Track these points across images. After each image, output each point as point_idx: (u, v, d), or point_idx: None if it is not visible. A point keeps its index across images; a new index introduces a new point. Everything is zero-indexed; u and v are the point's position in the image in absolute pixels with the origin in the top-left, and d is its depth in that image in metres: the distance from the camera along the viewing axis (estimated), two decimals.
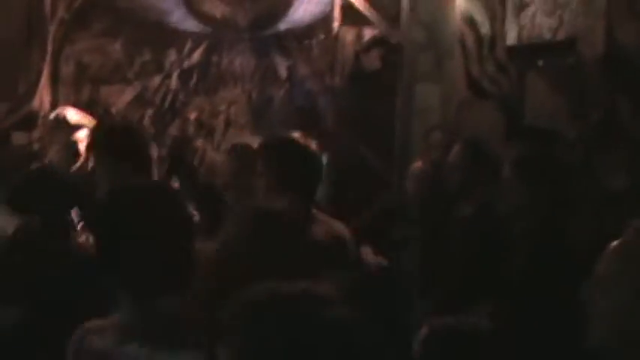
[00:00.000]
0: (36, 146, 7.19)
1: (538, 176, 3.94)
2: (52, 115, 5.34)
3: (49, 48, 7.35)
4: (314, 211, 3.50)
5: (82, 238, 3.59)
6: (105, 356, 2.19)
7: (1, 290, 3.30)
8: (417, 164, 6.13)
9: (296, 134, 3.59)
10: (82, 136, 4.76)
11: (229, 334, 1.61)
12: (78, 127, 4.95)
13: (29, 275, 3.27)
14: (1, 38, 7.14)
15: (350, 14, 7.44)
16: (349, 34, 7.49)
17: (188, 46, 7.50)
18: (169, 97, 7.44)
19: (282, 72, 7.58)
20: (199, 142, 6.88)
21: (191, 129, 7.36)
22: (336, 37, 7.51)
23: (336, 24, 7.50)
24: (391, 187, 6.86)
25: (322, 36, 7.57)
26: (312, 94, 7.55)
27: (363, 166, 6.94)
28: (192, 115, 7.29)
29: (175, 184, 4.42)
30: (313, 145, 3.56)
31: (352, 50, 7.46)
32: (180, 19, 7.49)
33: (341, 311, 1.61)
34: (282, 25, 7.55)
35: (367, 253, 4.78)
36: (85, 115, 5.14)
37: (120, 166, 3.61)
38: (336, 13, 7.48)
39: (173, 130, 7.37)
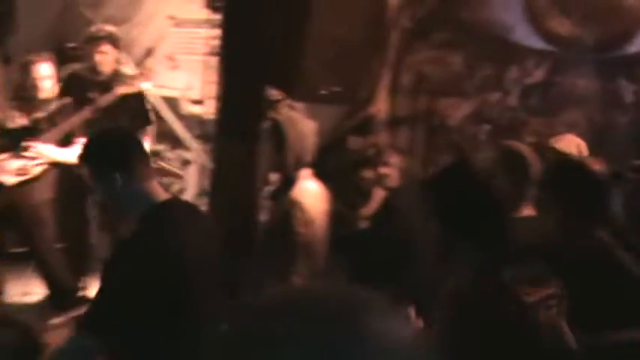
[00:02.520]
0: (371, 152, 7.37)
1: None
2: None
3: (390, 55, 7.47)
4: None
5: None
6: None
7: None
8: None
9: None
10: None
11: None
12: None
13: None
14: (341, 40, 7.33)
15: None
16: None
17: (530, 63, 7.36)
18: (507, 115, 7.35)
19: (628, 97, 7.26)
20: None
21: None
22: None
23: None
24: None
25: None
26: None
27: None
28: (530, 138, 7.14)
29: None
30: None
31: None
32: (524, 36, 7.34)
33: None
34: (631, 48, 7.21)
35: None
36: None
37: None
38: None
39: None
